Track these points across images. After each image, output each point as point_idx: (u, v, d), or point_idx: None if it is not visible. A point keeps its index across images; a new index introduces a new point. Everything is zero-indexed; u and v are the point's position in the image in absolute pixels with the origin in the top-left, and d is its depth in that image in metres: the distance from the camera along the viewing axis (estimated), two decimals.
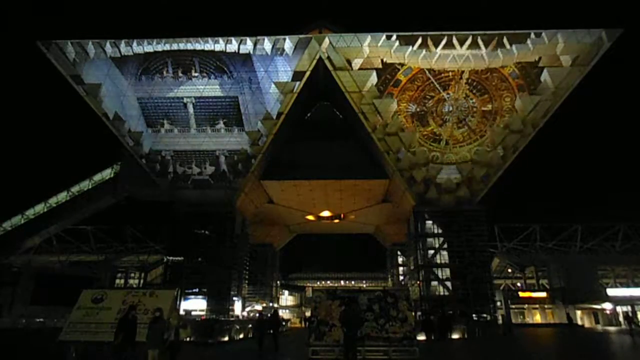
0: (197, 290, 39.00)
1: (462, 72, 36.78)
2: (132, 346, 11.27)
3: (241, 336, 27.48)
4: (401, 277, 65.76)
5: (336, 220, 56.13)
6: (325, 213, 54.10)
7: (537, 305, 52.52)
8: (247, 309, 49.76)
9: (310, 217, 55.54)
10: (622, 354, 19.01)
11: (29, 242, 47.58)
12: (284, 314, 69.59)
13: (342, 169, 41.62)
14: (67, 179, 48.70)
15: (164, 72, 37.61)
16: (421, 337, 22.24)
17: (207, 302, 38.36)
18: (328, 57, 36.24)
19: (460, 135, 38.78)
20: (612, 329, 42.60)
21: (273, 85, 37.16)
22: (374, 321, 14.01)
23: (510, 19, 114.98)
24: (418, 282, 40.70)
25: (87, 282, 38.62)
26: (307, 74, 36.78)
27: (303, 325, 54.30)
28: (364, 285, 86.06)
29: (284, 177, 43.19)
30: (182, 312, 36.63)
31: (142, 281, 59.21)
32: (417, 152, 38.80)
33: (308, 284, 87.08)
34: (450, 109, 38.08)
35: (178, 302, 35.44)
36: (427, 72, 36.92)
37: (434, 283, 40.12)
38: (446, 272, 40.42)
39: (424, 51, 35.90)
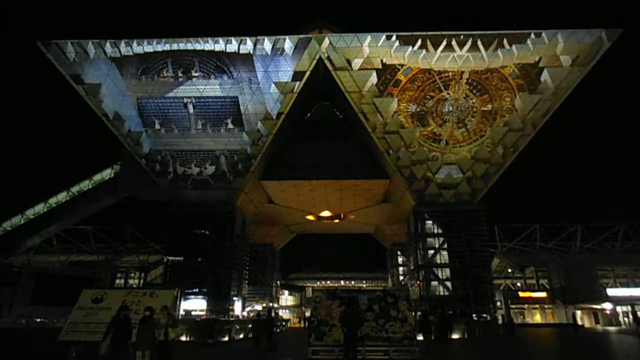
0: (197, 290, 38.97)
1: (462, 72, 36.79)
2: (124, 347, 10.79)
3: (241, 336, 27.54)
4: (401, 277, 65.67)
5: (336, 220, 56.09)
6: (325, 213, 54.08)
7: (537, 305, 52.67)
8: (247, 309, 49.76)
9: (310, 217, 55.51)
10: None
11: (29, 242, 47.61)
12: (284, 314, 69.71)
13: (342, 168, 41.60)
14: (67, 179, 48.78)
15: (164, 72, 37.59)
16: (420, 338, 22.19)
17: (207, 302, 38.29)
18: (328, 57, 36.22)
19: (460, 135, 38.75)
20: (612, 329, 42.59)
21: (273, 85, 37.15)
22: (374, 321, 14.02)
23: (510, 19, 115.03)
24: (418, 282, 40.66)
25: (87, 282, 38.63)
26: (307, 74, 36.75)
27: (303, 325, 54.29)
28: (364, 285, 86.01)
29: (284, 177, 43.15)
30: (182, 312, 36.72)
31: (142, 281, 59.31)
32: (417, 151, 38.82)
33: (308, 284, 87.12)
34: (450, 109, 38.08)
35: (178, 302, 35.44)
36: (427, 72, 36.92)
37: (434, 283, 40.08)
38: (446, 272, 40.38)
39: (423, 51, 35.92)
